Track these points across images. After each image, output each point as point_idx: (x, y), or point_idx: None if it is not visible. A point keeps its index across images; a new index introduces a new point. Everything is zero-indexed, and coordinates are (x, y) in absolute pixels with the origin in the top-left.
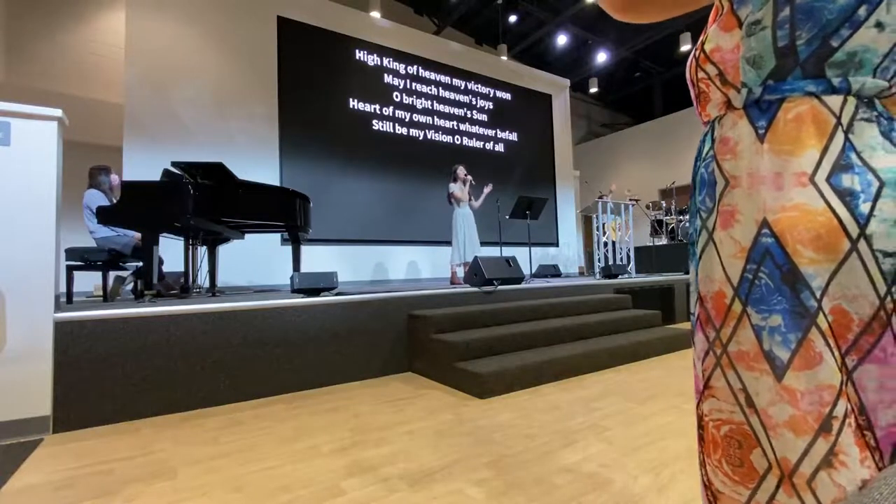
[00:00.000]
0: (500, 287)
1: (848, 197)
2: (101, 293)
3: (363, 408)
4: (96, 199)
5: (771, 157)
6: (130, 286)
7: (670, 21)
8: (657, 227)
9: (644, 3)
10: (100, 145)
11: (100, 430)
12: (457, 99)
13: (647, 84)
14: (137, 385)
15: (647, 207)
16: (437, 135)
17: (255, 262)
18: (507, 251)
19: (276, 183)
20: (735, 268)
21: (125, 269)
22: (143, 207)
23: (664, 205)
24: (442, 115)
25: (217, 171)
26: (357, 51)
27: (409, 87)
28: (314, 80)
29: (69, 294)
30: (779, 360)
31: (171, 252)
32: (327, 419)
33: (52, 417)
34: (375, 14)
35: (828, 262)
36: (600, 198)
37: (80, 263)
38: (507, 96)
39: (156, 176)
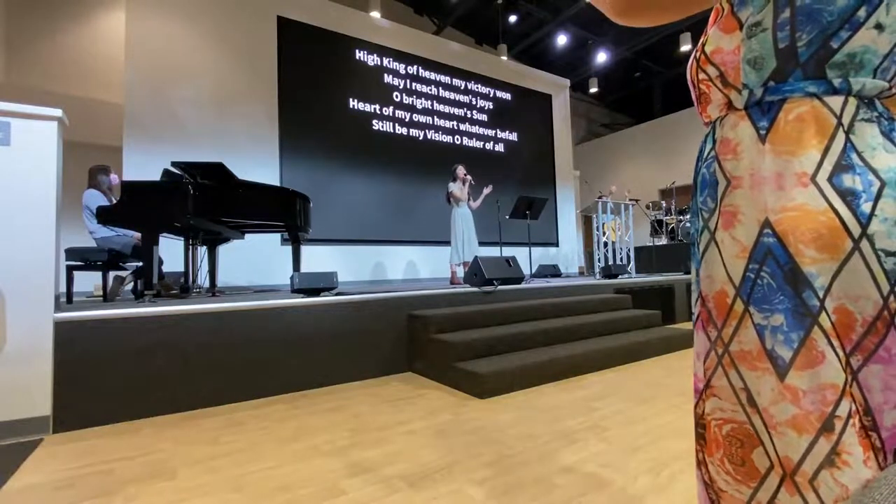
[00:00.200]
0: (500, 287)
1: (849, 197)
2: (101, 293)
3: (363, 408)
4: (96, 199)
5: (772, 157)
6: (130, 286)
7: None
8: (657, 227)
9: (643, 7)
10: (100, 145)
11: (100, 430)
12: (457, 99)
13: (647, 84)
14: (137, 385)
15: (647, 207)
16: (437, 135)
17: (255, 262)
18: (507, 251)
19: (276, 183)
20: (737, 267)
21: (125, 269)
22: (143, 207)
23: (664, 205)
24: (442, 115)
25: (217, 171)
26: (357, 51)
27: (409, 87)
28: (314, 80)
29: (69, 294)
30: (781, 359)
31: (171, 252)
32: (327, 419)
33: (52, 417)
34: (375, 14)
35: (830, 262)
36: (600, 198)
37: (80, 263)
38: (507, 96)
39: (156, 176)
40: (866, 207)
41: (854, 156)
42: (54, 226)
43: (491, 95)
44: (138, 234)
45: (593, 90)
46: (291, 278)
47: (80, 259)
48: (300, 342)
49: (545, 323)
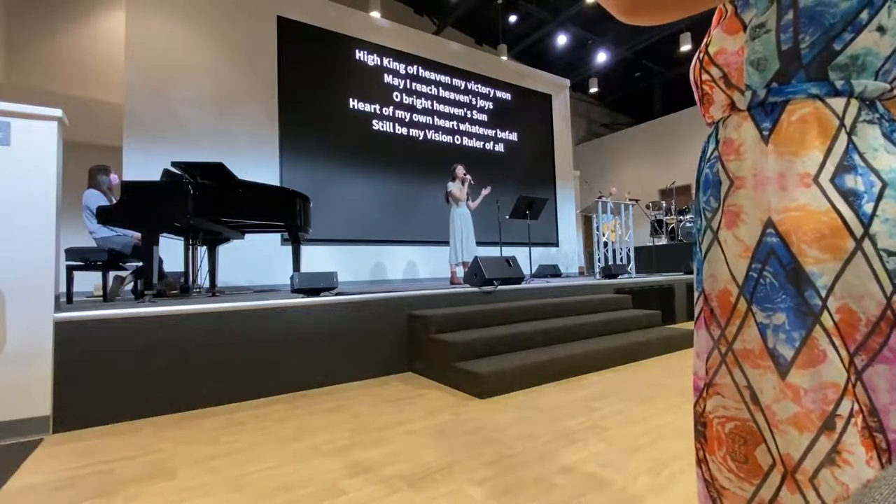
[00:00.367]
0: (500, 287)
1: (851, 197)
2: (101, 293)
3: (363, 408)
4: (96, 199)
5: (775, 158)
6: (130, 286)
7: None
8: (657, 227)
9: (649, 5)
10: (100, 145)
11: (100, 430)
12: (457, 99)
13: (647, 84)
14: (137, 385)
15: (647, 207)
16: (437, 135)
17: (255, 262)
18: (507, 251)
19: (276, 183)
20: (740, 267)
21: (125, 269)
22: (143, 207)
23: (664, 205)
24: (442, 115)
25: (217, 171)
26: (357, 51)
27: (409, 87)
28: (314, 80)
29: (69, 294)
30: (783, 357)
31: (171, 252)
32: (327, 419)
33: (52, 417)
34: (375, 14)
35: (833, 262)
36: (600, 198)
37: (80, 263)
38: (507, 96)
39: (156, 176)
40: (868, 208)
41: (856, 157)
42: (54, 226)
43: (491, 95)
44: (138, 234)
45: (593, 90)
46: (291, 278)
47: (80, 259)
48: (300, 342)
49: (545, 323)
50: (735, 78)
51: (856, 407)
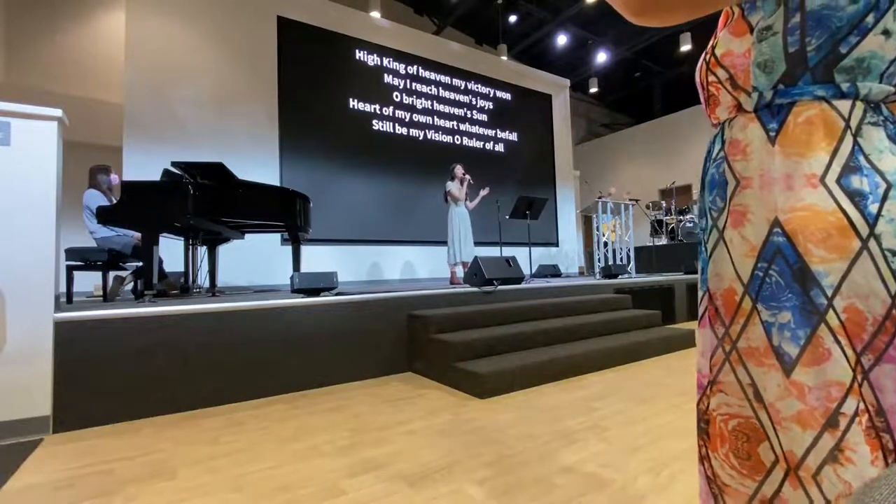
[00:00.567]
0: (500, 287)
1: (857, 198)
2: (101, 293)
3: (363, 408)
4: (96, 198)
5: (782, 158)
6: (130, 286)
7: None
8: (657, 227)
9: (658, 7)
10: (100, 145)
11: (100, 430)
12: (457, 99)
13: (647, 84)
14: (137, 385)
15: (647, 207)
16: (437, 135)
17: (255, 262)
18: (507, 251)
19: (276, 183)
20: (746, 266)
21: (125, 269)
22: (143, 207)
23: (664, 205)
24: (442, 115)
25: (217, 171)
26: (357, 51)
27: (409, 87)
28: (314, 80)
29: (69, 294)
30: (787, 355)
31: (171, 252)
32: (327, 419)
33: (52, 417)
34: (375, 14)
35: (839, 262)
36: (600, 198)
37: (80, 263)
38: (507, 96)
39: (156, 176)
40: (873, 208)
41: (861, 158)
42: (54, 226)
43: (491, 95)
44: (138, 234)
45: (593, 90)
46: (291, 278)
47: (80, 259)
48: (300, 342)
49: (545, 323)
50: (741, 80)
51: (861, 406)
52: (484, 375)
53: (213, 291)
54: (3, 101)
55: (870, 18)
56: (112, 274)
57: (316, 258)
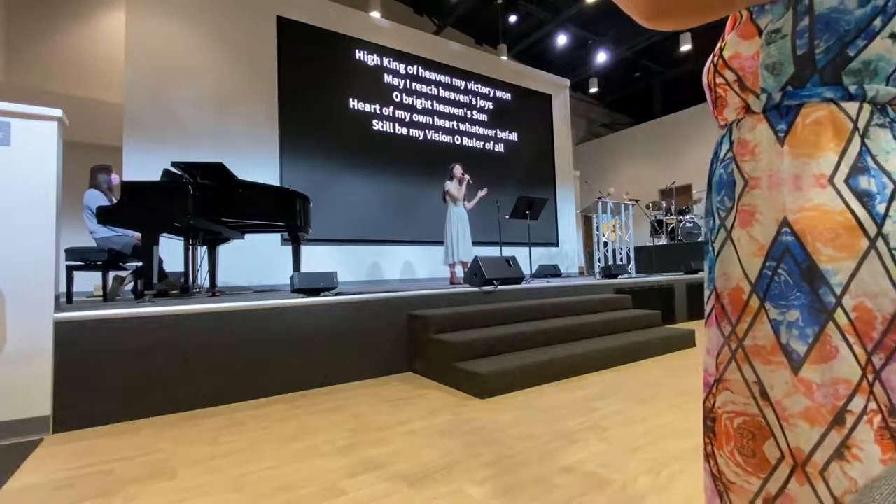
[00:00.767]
0: (500, 287)
1: (865, 198)
2: (101, 293)
3: (363, 408)
4: (96, 198)
5: (791, 159)
6: (130, 286)
7: None
8: (657, 227)
9: (671, 11)
10: (100, 145)
11: (100, 430)
12: (457, 99)
13: (647, 84)
14: (137, 385)
15: (647, 207)
16: (437, 135)
17: (255, 262)
18: (507, 251)
19: (276, 183)
20: (754, 265)
21: (125, 269)
22: (143, 207)
23: (664, 205)
24: (442, 115)
25: (217, 171)
26: (357, 51)
27: (409, 87)
28: (314, 80)
29: (69, 294)
30: (796, 353)
31: (171, 252)
32: (327, 419)
33: (52, 417)
34: (375, 14)
35: (848, 261)
36: (600, 198)
37: (80, 263)
38: (507, 96)
39: (156, 176)
40: (881, 208)
41: (869, 159)
42: (54, 226)
43: (491, 95)
44: (138, 234)
45: (593, 90)
46: (291, 278)
47: (80, 259)
48: (300, 342)
49: (545, 323)
50: (750, 81)
51: (872, 405)
52: (484, 375)
53: (213, 291)
54: (3, 101)
55: (877, 22)
56: (112, 274)
57: (316, 258)
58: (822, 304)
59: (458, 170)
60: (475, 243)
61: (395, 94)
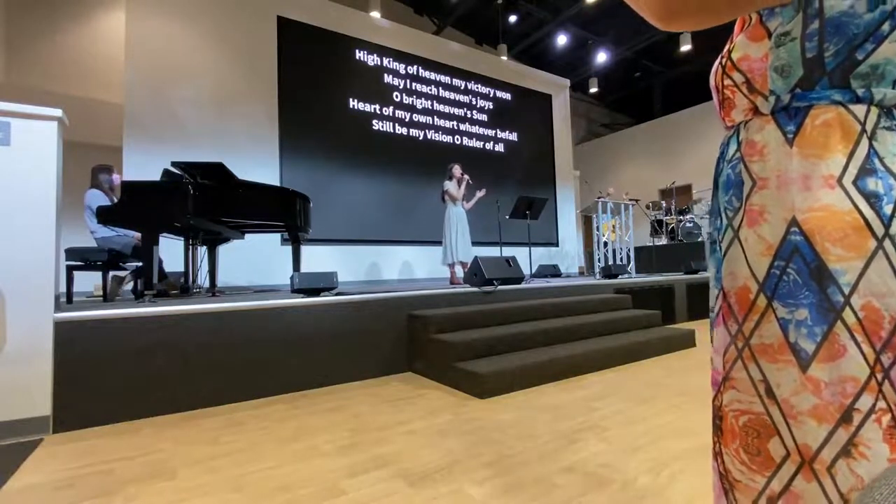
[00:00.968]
0: (500, 287)
1: (873, 199)
2: (101, 293)
3: (363, 408)
4: (97, 198)
5: (800, 160)
6: (130, 286)
7: None
8: (657, 227)
9: (683, 13)
10: (100, 145)
11: (100, 430)
12: (457, 99)
13: (647, 84)
14: (137, 385)
15: (647, 207)
16: (437, 135)
17: (255, 262)
18: (507, 251)
19: (276, 183)
20: (761, 264)
21: (125, 269)
22: (143, 207)
23: (664, 205)
24: (442, 115)
25: (217, 171)
26: (357, 51)
27: (409, 87)
28: (314, 80)
29: (69, 294)
30: (804, 351)
31: (171, 252)
32: (327, 419)
33: (52, 417)
34: (375, 14)
35: (856, 261)
36: (600, 198)
37: (80, 263)
38: (507, 96)
39: (156, 176)
40: (888, 209)
41: (876, 161)
42: (54, 226)
43: (491, 95)
44: (138, 234)
45: (593, 90)
46: (291, 278)
47: (80, 259)
48: (300, 342)
49: (545, 323)
50: (758, 83)
51: (882, 404)
52: (484, 375)
53: (213, 291)
54: (3, 101)
55: (885, 26)
56: (112, 274)
57: (316, 258)
58: (830, 303)
59: (457, 170)
60: (475, 243)
61: (395, 94)
